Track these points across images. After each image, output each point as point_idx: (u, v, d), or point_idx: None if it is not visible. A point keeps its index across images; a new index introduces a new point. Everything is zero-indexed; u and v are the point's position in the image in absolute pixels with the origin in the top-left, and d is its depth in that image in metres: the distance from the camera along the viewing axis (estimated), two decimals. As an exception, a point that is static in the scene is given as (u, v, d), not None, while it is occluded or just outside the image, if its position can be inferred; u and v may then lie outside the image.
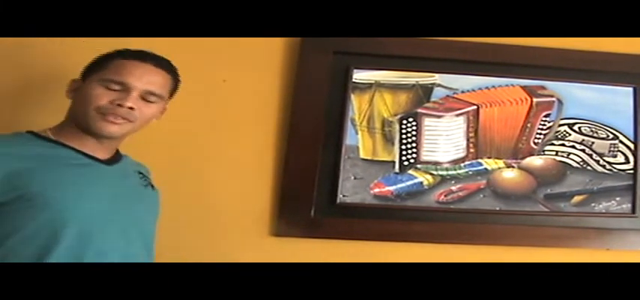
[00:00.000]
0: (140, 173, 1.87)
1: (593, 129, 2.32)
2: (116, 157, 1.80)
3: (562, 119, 2.32)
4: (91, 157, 1.72)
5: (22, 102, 2.16)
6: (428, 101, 2.28)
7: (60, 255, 1.56)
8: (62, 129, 1.74)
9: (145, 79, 1.72)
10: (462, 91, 2.29)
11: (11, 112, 2.14)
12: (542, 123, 2.31)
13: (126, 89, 1.69)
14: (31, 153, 1.64)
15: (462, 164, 2.28)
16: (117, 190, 1.73)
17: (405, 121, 2.26)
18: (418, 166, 2.27)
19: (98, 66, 1.74)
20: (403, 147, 2.26)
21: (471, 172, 2.28)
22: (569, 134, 2.31)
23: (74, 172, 1.67)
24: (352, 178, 2.23)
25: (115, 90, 1.69)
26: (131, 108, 1.69)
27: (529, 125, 2.31)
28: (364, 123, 2.25)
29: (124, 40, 2.09)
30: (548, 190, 2.30)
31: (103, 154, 1.75)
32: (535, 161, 2.31)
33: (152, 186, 1.88)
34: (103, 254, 1.62)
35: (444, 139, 2.28)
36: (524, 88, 2.32)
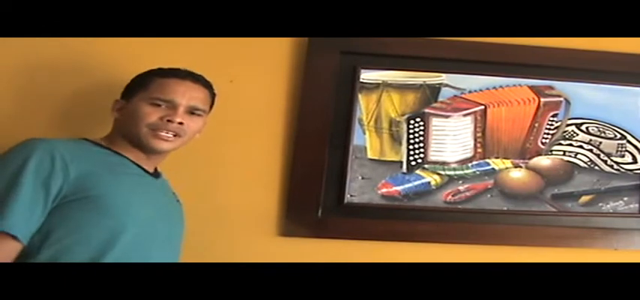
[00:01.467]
0: (171, 189, 1.95)
1: (601, 129, 2.32)
2: (157, 172, 1.89)
3: (570, 119, 2.32)
4: (142, 169, 1.80)
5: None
6: (435, 101, 2.28)
7: (115, 258, 1.61)
8: (113, 140, 1.81)
9: (188, 95, 1.80)
10: (470, 91, 2.29)
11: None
12: (550, 123, 2.31)
13: (173, 106, 1.78)
14: (94, 158, 1.72)
15: (470, 164, 2.28)
16: (162, 202, 1.84)
17: (412, 121, 2.26)
18: (426, 166, 2.27)
19: (139, 86, 1.82)
20: (411, 147, 2.26)
21: (478, 172, 2.28)
22: (577, 134, 2.31)
23: (131, 181, 1.75)
24: (360, 178, 2.23)
25: (162, 107, 1.77)
26: (181, 123, 1.77)
27: (537, 125, 2.30)
28: (372, 123, 2.25)
29: (132, 40, 2.12)
30: (556, 190, 2.30)
31: (149, 167, 1.83)
32: (542, 161, 2.31)
33: (180, 202, 1.95)
34: (146, 261, 1.68)
35: (451, 139, 2.28)
36: (531, 88, 2.31)
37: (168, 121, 1.76)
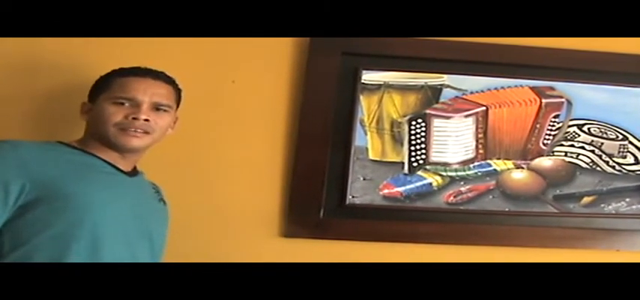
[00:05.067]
0: (154, 188, 1.94)
1: (603, 130, 2.31)
2: (135, 171, 1.88)
3: (571, 120, 2.32)
4: (116, 167, 1.79)
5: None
6: (437, 102, 2.28)
7: (79, 255, 1.61)
8: (86, 142, 1.82)
9: (150, 92, 1.80)
10: (471, 92, 2.29)
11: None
12: (552, 124, 2.31)
13: (136, 104, 1.78)
14: (62, 159, 1.72)
15: (471, 165, 2.28)
16: (137, 200, 1.81)
17: (414, 122, 2.26)
18: (427, 167, 2.27)
19: (102, 87, 1.82)
20: (412, 148, 2.26)
21: (480, 173, 2.28)
22: (579, 135, 2.31)
23: (101, 179, 1.75)
24: (361, 179, 2.23)
25: (126, 106, 1.77)
26: (146, 120, 1.77)
27: (538, 126, 2.30)
28: (373, 124, 2.25)
29: (132, 40, 2.12)
30: (558, 191, 2.29)
31: (124, 166, 1.82)
32: (544, 162, 2.30)
33: (164, 201, 1.94)
34: (118, 259, 1.68)
35: (453, 140, 2.28)
36: (533, 88, 2.31)
37: (134, 118, 1.76)
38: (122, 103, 1.77)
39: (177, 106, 1.91)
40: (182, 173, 2.13)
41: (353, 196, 2.22)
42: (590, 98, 2.32)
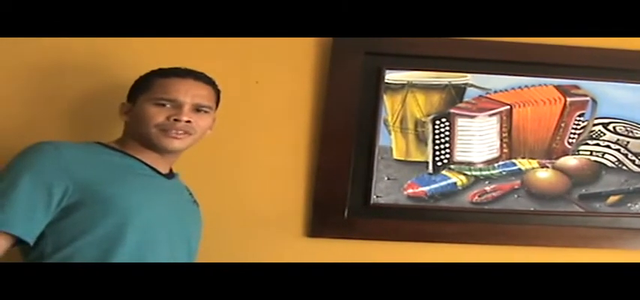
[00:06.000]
0: (188, 190, 1.95)
1: (628, 128, 2.30)
2: (172, 173, 1.89)
3: (596, 119, 2.30)
4: (154, 169, 1.80)
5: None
6: (461, 101, 2.27)
7: (124, 257, 1.62)
8: (125, 143, 1.82)
9: (191, 93, 1.80)
10: (495, 91, 2.28)
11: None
12: (576, 123, 2.29)
13: (178, 105, 1.78)
14: (101, 160, 1.73)
15: (496, 164, 2.27)
16: (174, 203, 1.83)
17: (438, 122, 2.26)
18: (451, 166, 2.26)
19: (142, 88, 1.82)
20: (436, 147, 2.25)
21: (504, 173, 2.27)
22: (604, 134, 2.29)
23: (140, 181, 1.76)
24: (385, 178, 2.23)
25: (167, 107, 1.77)
26: (188, 121, 1.78)
27: (563, 125, 2.29)
28: (397, 124, 2.25)
29: (154, 41, 2.13)
30: (583, 191, 2.28)
31: (162, 168, 1.83)
32: (569, 161, 2.29)
33: (197, 203, 1.95)
34: (161, 261, 1.69)
35: (477, 139, 2.27)
36: (557, 87, 2.30)
37: (176, 120, 1.76)
38: (163, 105, 1.77)
39: (217, 106, 1.92)
40: (206, 174, 2.14)
41: (377, 196, 2.22)
42: (616, 97, 2.30)
